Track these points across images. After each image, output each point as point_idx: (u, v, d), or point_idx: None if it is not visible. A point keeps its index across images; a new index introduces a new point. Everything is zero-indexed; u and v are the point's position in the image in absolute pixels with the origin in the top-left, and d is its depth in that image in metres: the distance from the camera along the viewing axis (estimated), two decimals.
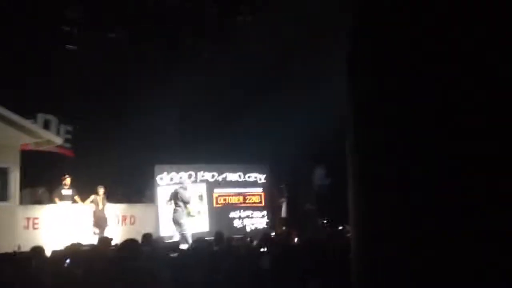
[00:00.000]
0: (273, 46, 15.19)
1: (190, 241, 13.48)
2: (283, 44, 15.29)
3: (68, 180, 14.65)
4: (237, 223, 17.82)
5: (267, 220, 18.31)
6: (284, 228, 16.79)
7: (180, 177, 16.60)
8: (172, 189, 15.79)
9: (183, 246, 11.78)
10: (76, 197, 14.81)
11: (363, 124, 2.77)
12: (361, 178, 2.79)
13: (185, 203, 14.92)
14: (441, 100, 2.46)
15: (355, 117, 2.86)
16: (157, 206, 16.22)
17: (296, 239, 8.99)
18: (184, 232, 14.43)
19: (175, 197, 15.00)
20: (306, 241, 8.36)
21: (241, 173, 18.35)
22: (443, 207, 2.42)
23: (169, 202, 15.28)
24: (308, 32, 14.32)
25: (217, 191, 17.86)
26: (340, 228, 11.11)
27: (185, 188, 15.29)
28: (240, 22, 16.19)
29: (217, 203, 17.79)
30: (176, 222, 14.67)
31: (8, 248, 10.43)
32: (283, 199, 18.32)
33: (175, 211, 14.81)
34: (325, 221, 13.96)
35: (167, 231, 15.43)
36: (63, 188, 14.62)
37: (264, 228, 17.58)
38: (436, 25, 2.50)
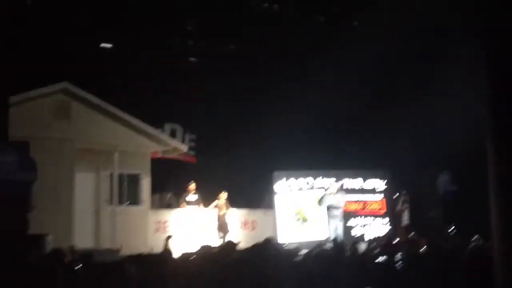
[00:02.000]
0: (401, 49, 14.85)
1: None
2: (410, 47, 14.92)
3: (193, 186, 15.30)
4: (357, 231, 17.48)
5: (390, 227, 17.77)
6: (411, 235, 16.19)
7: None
8: (291, 195, 15.94)
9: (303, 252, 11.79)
10: (201, 203, 15.43)
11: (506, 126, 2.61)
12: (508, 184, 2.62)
13: (335, 208, 15.01)
14: None
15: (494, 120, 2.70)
16: (275, 213, 16.41)
17: (425, 247, 8.64)
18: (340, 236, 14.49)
19: (325, 201, 15.17)
20: (437, 249, 8.01)
21: (360, 179, 18.00)
22: None
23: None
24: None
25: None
26: (474, 239, 10.45)
27: (330, 194, 15.36)
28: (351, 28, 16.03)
29: None
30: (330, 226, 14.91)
31: (141, 249, 11.11)
32: (405, 206, 17.68)
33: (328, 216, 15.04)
34: (451, 229, 13.25)
35: (285, 238, 15.51)
36: (189, 194, 15.30)
37: (385, 235, 17.07)
38: None
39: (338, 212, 15.03)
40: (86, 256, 7.39)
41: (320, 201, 15.21)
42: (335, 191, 15.35)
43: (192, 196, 15.27)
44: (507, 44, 2.65)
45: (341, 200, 15.35)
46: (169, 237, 10.63)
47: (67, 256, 7.47)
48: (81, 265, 6.80)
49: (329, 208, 14.99)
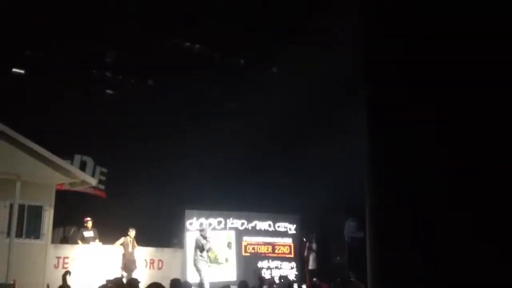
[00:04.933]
0: (299, 98, 15.43)
1: None
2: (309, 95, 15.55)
3: (90, 223, 14.87)
4: (265, 273, 17.53)
5: (296, 272, 17.99)
6: (314, 280, 16.43)
7: (201, 224, 16.66)
8: (201, 234, 15.78)
9: None
10: (97, 240, 14.93)
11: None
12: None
13: (202, 250, 14.97)
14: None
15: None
16: (185, 251, 16.18)
17: None
18: (202, 280, 14.51)
19: (196, 243, 15.13)
20: None
21: (271, 222, 18.21)
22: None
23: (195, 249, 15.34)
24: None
25: (246, 239, 17.74)
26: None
27: (204, 236, 15.26)
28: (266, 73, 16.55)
29: (245, 251, 17.64)
30: (196, 268, 14.77)
31: (37, 285, 10.53)
32: (311, 251, 18.00)
33: (195, 256, 14.95)
34: (350, 275, 13.61)
35: (194, 277, 15.30)
36: (85, 230, 14.82)
37: (291, 280, 17.24)
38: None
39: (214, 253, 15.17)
40: None
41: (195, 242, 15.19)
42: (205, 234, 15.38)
43: (88, 233, 14.80)
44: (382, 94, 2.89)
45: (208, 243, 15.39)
46: (66, 272, 10.17)
47: None
48: None
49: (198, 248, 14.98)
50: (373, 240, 2.81)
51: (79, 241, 14.70)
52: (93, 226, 14.94)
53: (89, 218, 14.94)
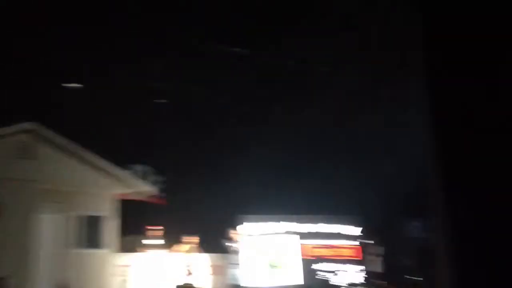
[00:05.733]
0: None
1: None
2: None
3: (159, 232, 15.12)
4: (330, 277, 17.17)
5: (365, 275, 17.49)
6: (383, 283, 15.93)
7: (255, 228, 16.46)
8: (262, 240, 15.73)
9: None
10: (166, 248, 15.16)
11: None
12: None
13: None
14: None
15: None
16: (241, 257, 16.11)
17: None
18: None
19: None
20: None
21: (334, 225, 17.80)
22: None
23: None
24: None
25: (309, 243, 17.43)
26: None
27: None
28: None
29: (308, 255, 17.33)
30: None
31: None
32: (377, 253, 17.44)
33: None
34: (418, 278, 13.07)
35: (253, 282, 15.22)
36: (149, 238, 15.07)
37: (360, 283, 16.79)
38: None
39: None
40: None
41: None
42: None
43: (157, 240, 15.04)
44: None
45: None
46: (125, 280, 10.36)
47: None
48: None
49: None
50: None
51: (144, 249, 14.97)
52: (163, 235, 15.20)
53: (161, 227, 15.19)
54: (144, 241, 15.00)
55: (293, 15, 14.88)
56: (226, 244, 14.55)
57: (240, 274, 15.62)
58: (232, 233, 14.72)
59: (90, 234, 13.89)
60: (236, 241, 15.92)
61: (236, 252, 16.12)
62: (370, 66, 14.45)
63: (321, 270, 16.99)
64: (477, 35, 2.60)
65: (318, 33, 14.92)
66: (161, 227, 15.16)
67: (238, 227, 16.91)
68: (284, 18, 15.04)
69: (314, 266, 17.03)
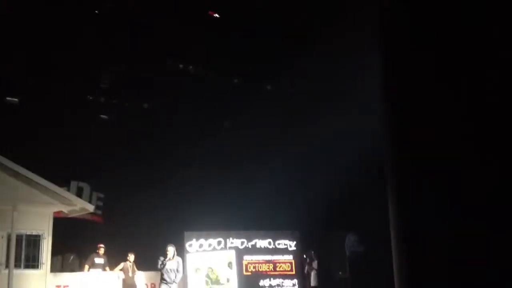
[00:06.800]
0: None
1: None
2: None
3: (102, 250, 14.76)
4: None
5: None
6: None
7: (200, 245, 16.42)
8: (201, 256, 15.67)
9: None
10: (107, 267, 14.82)
11: None
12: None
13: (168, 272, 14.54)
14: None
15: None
16: (186, 274, 16.01)
17: None
18: None
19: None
20: None
21: (270, 240, 18.08)
22: None
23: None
24: None
25: (246, 258, 17.59)
26: None
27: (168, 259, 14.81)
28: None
29: (246, 270, 17.48)
30: None
31: None
32: (312, 267, 17.90)
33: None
34: None
35: None
36: (96, 256, 14.68)
37: None
38: None
39: (174, 276, 14.57)
40: None
41: (161, 265, 14.66)
42: (172, 256, 14.85)
43: (99, 259, 14.66)
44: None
45: (179, 264, 14.92)
46: None
47: None
48: None
49: (166, 272, 14.49)
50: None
51: (88, 267, 14.53)
52: (105, 253, 14.81)
53: (102, 245, 14.84)
54: (96, 259, 14.55)
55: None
56: (163, 261, 14.28)
57: None
58: (169, 250, 14.49)
59: (27, 253, 13.29)
60: (173, 258, 15.75)
61: (173, 269, 15.95)
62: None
63: (259, 286, 17.19)
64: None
65: None
66: (102, 245, 14.76)
67: (176, 244, 16.81)
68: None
69: (253, 282, 17.20)
